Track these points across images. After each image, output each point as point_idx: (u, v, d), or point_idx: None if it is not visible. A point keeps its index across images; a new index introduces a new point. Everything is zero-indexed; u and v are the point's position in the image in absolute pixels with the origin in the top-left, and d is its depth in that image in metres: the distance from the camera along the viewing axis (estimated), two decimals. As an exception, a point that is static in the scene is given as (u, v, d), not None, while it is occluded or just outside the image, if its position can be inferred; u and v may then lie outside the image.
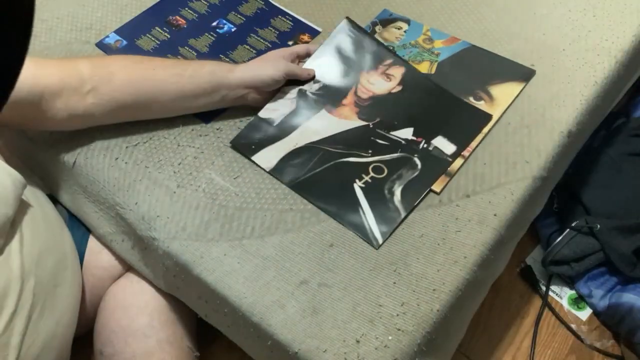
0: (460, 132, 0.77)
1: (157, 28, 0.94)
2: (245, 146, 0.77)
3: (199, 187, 0.74)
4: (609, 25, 0.88)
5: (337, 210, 0.71)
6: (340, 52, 0.84)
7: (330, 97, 0.81)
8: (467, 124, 0.77)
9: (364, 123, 0.79)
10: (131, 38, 0.92)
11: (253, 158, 0.76)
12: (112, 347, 0.77)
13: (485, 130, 0.77)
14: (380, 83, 0.82)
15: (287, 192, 0.73)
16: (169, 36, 0.93)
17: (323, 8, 0.95)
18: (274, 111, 0.79)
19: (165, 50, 0.90)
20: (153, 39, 0.92)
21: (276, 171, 0.75)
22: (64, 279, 0.68)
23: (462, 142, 0.75)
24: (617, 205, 1.09)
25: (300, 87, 0.81)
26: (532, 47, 0.86)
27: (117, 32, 0.93)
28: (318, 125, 0.78)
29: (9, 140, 0.89)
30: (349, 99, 0.81)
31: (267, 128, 0.78)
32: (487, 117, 0.78)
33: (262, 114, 0.79)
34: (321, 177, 0.74)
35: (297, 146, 0.77)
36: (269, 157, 0.76)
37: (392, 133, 0.77)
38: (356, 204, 0.71)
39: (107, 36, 0.92)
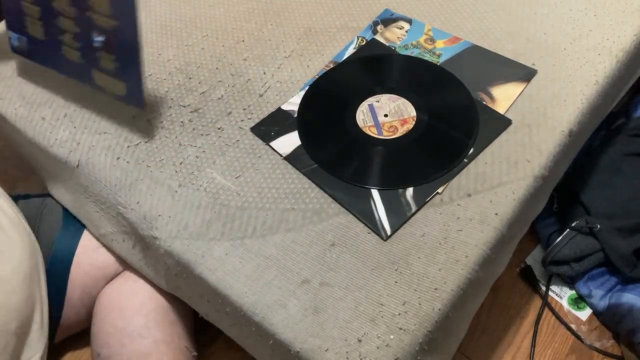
0: (478, 134, 0.77)
1: (157, 27, 0.94)
2: (265, 132, 0.79)
3: (200, 186, 0.74)
4: (610, 24, 0.88)
5: (348, 199, 0.71)
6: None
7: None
8: (486, 127, 0.77)
9: None
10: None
11: (271, 144, 0.77)
12: (108, 348, 0.77)
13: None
14: None
15: (288, 192, 0.73)
16: (169, 35, 0.93)
17: (324, 8, 0.95)
18: (295, 105, 0.82)
19: (166, 49, 0.91)
20: (154, 38, 0.92)
21: (291, 158, 0.76)
22: None
23: (479, 145, 0.75)
24: (617, 205, 1.08)
25: None
26: (533, 46, 0.86)
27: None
28: None
29: (10, 141, 0.89)
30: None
31: (287, 119, 0.80)
32: (507, 122, 0.78)
33: (285, 106, 0.81)
34: None
35: None
36: (286, 144, 0.77)
37: None
38: (368, 194, 0.72)
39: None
